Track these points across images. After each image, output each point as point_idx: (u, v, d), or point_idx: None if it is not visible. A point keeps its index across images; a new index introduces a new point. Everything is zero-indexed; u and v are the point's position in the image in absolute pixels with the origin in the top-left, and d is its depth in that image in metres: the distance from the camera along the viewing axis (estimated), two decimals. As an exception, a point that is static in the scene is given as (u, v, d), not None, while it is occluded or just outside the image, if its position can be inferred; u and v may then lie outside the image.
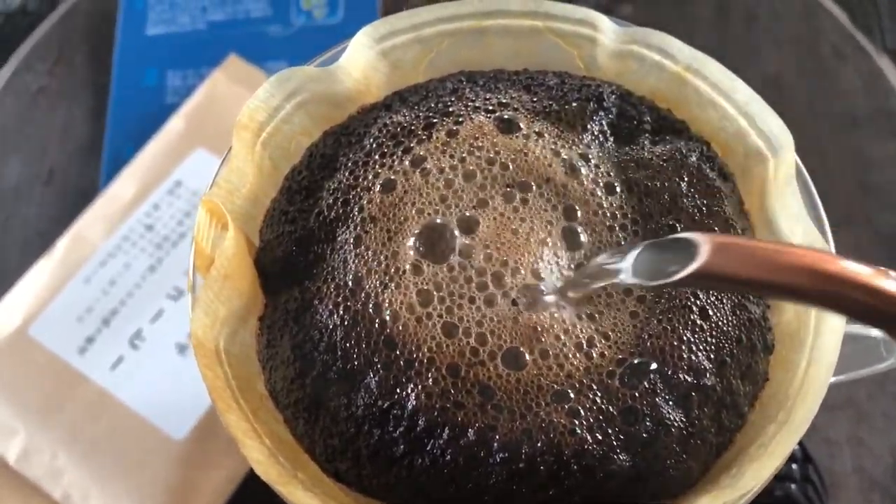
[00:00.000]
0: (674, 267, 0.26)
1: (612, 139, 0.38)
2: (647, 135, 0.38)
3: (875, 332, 0.36)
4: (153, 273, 0.64)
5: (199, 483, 0.57)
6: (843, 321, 0.33)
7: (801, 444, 0.52)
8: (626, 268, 0.30)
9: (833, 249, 0.34)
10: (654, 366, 0.32)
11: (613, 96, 0.39)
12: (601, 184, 0.36)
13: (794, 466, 0.50)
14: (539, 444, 0.31)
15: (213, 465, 0.58)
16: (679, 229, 0.35)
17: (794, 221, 0.35)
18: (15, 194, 0.73)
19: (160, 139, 0.70)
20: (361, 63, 0.40)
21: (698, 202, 0.36)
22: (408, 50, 0.40)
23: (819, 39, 0.76)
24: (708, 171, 0.37)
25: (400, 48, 0.40)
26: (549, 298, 0.34)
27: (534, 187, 0.36)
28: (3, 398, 0.59)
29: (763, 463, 0.31)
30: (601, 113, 0.38)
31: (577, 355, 0.33)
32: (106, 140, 0.73)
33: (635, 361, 0.33)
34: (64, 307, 0.63)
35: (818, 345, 0.33)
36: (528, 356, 0.32)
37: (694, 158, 0.37)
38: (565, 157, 0.36)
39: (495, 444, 0.31)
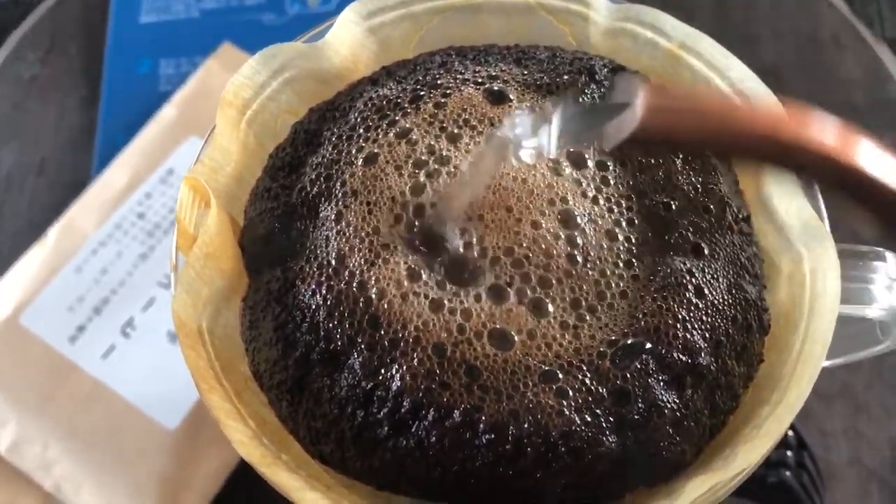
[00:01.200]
0: (609, 128, 0.24)
1: None
2: None
3: (871, 314, 0.36)
4: (145, 261, 0.64)
5: (193, 473, 0.57)
6: (837, 302, 0.33)
7: (795, 431, 0.51)
8: (552, 139, 0.27)
9: (828, 227, 0.34)
10: (647, 345, 0.32)
11: (605, 69, 0.38)
12: (594, 159, 0.35)
13: (788, 453, 0.49)
14: (526, 426, 0.30)
15: (205, 454, 0.57)
16: (674, 207, 0.35)
17: (790, 199, 0.35)
18: (6, 184, 0.72)
19: (153, 127, 0.69)
20: (349, 40, 0.39)
21: (693, 180, 0.35)
22: (397, 27, 0.40)
23: (818, 28, 0.76)
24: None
25: (389, 25, 0.40)
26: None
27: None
28: (-6, 388, 0.59)
29: (755, 444, 0.30)
30: (593, 86, 0.37)
31: (567, 336, 0.32)
32: (99, 129, 0.72)
33: (628, 342, 0.32)
34: (55, 296, 0.63)
35: (812, 325, 0.33)
36: (516, 336, 0.32)
37: None
38: None
39: (481, 426, 0.30)
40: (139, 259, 0.64)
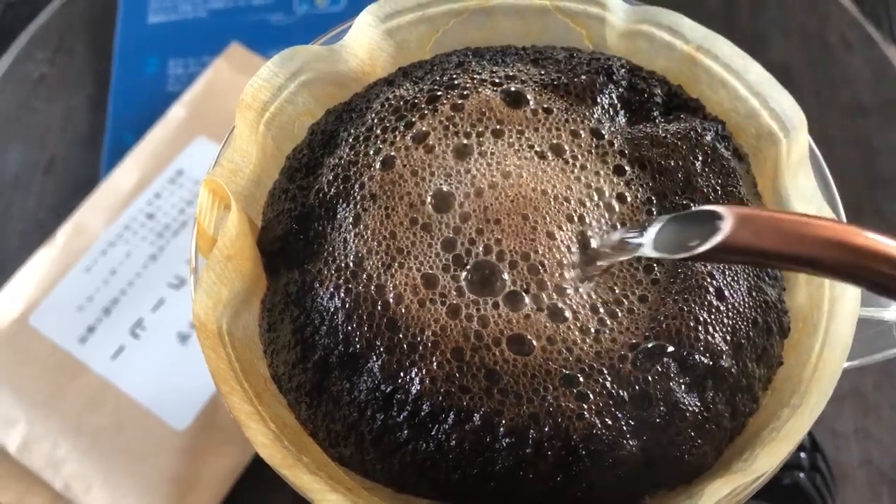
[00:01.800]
0: (696, 240, 0.26)
1: (622, 112, 0.37)
2: (660, 111, 0.38)
3: (888, 316, 0.36)
4: (154, 262, 0.64)
5: (202, 473, 0.57)
6: (857, 304, 0.32)
7: (809, 433, 0.51)
8: (648, 241, 0.30)
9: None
10: (669, 349, 0.32)
11: (623, 70, 0.38)
12: (614, 161, 0.35)
13: (802, 455, 0.49)
14: (546, 429, 0.30)
15: (215, 455, 0.57)
16: (693, 208, 0.35)
17: (807, 202, 0.34)
18: (15, 183, 0.72)
19: (161, 128, 0.69)
20: (366, 42, 0.39)
21: (713, 182, 0.35)
22: (413, 29, 0.40)
23: (827, 28, 0.76)
24: (723, 150, 0.36)
25: (405, 27, 0.40)
26: (567, 275, 0.33)
27: (546, 162, 0.35)
28: (4, 388, 0.59)
29: (775, 448, 0.30)
30: (611, 86, 0.37)
31: (587, 340, 0.32)
32: (107, 129, 0.72)
33: (649, 345, 0.32)
34: (64, 296, 0.63)
35: (832, 328, 0.33)
36: (535, 342, 0.32)
37: (709, 138, 0.36)
38: (576, 131, 0.36)
39: (501, 429, 0.30)
40: (149, 259, 0.64)
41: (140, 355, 0.60)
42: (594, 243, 0.34)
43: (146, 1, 0.78)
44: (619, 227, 0.34)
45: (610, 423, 0.31)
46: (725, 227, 0.26)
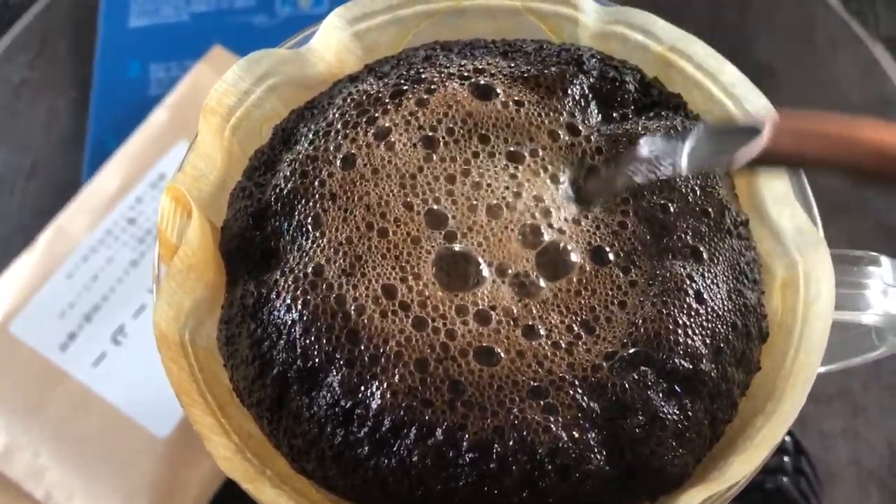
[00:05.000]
0: (735, 152, 0.25)
1: (594, 103, 0.36)
2: (635, 102, 0.37)
3: (867, 320, 0.35)
4: (136, 267, 0.63)
5: (185, 481, 0.56)
6: (831, 308, 0.32)
7: (792, 435, 0.51)
8: (680, 154, 0.29)
9: (821, 232, 0.33)
10: (647, 354, 0.31)
11: (594, 59, 0.37)
12: (589, 158, 0.35)
13: (785, 459, 0.49)
14: (511, 443, 0.29)
15: (198, 462, 0.57)
16: (672, 209, 0.34)
17: (782, 204, 0.34)
18: (-4, 188, 0.72)
19: (144, 131, 0.69)
20: (334, 45, 0.38)
21: (691, 182, 0.34)
22: (383, 32, 0.39)
23: (813, 27, 0.75)
24: None
25: (375, 30, 0.39)
26: (570, 207, 0.33)
27: (515, 159, 0.34)
28: (-17, 396, 0.58)
29: (750, 455, 0.30)
30: (581, 76, 0.36)
31: (558, 352, 0.31)
32: (89, 133, 0.72)
33: (626, 354, 0.31)
34: (45, 303, 0.62)
35: (806, 332, 0.32)
36: (503, 354, 0.31)
37: None
38: (550, 127, 0.35)
39: (465, 444, 0.29)
40: (130, 265, 0.63)
41: (121, 362, 0.60)
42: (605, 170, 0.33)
43: (128, 4, 0.77)
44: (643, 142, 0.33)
45: (577, 436, 0.30)
46: (764, 137, 0.24)
